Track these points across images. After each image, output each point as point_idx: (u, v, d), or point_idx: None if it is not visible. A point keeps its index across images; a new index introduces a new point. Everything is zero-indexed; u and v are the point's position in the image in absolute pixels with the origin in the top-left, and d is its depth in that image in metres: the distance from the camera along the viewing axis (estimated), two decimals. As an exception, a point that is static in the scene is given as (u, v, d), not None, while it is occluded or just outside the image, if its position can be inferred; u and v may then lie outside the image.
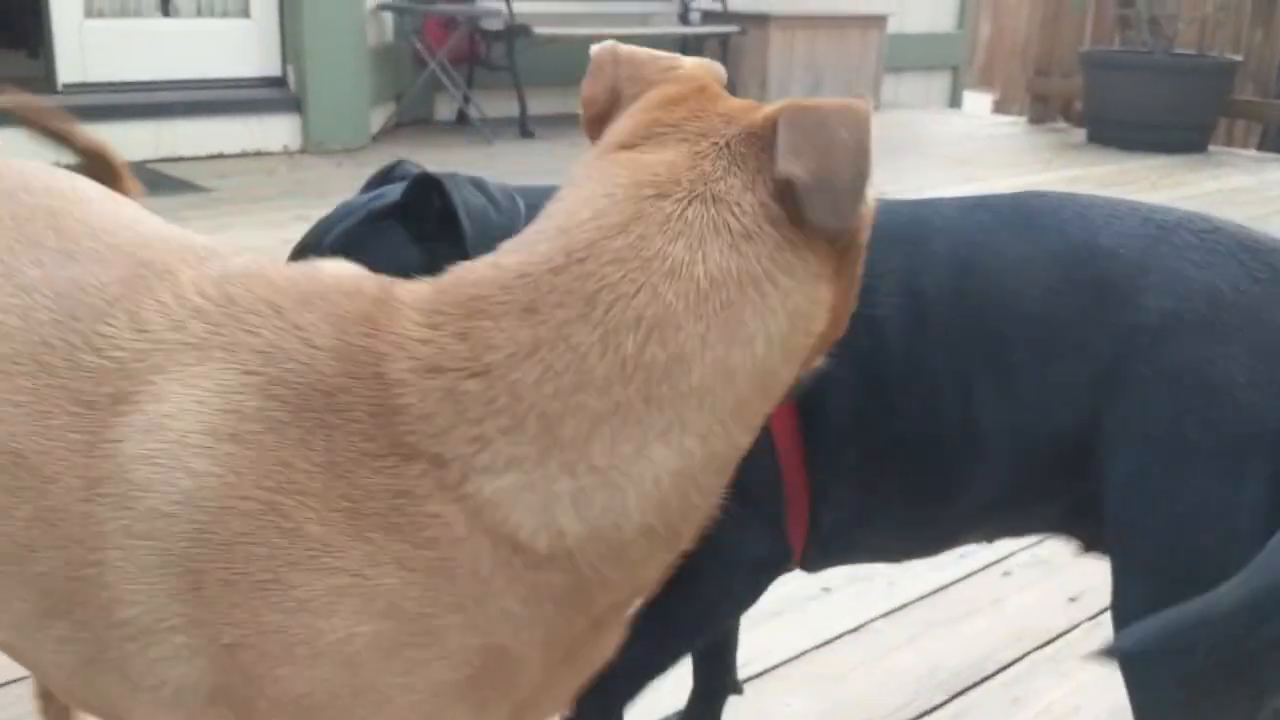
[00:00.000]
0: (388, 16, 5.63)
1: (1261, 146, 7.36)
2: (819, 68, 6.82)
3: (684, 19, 6.67)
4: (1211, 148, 6.20)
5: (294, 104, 4.86)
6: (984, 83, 10.13)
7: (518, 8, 5.70)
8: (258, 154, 4.81)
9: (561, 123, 6.17)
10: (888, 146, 5.80)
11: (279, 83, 4.95)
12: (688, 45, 6.79)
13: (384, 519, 0.70)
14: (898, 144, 5.91)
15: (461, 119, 5.83)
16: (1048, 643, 1.66)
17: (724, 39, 6.52)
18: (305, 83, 4.83)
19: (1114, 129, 6.02)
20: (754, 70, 6.65)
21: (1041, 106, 7.04)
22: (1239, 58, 6.17)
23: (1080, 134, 6.38)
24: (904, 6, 7.81)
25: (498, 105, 6.09)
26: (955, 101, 8.35)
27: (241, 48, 4.89)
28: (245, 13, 4.90)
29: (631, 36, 5.06)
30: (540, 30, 5.63)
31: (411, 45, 5.50)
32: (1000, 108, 9.97)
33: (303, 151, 4.90)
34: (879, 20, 7.11)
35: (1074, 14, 6.68)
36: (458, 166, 4.51)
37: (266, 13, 4.91)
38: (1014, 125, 7.06)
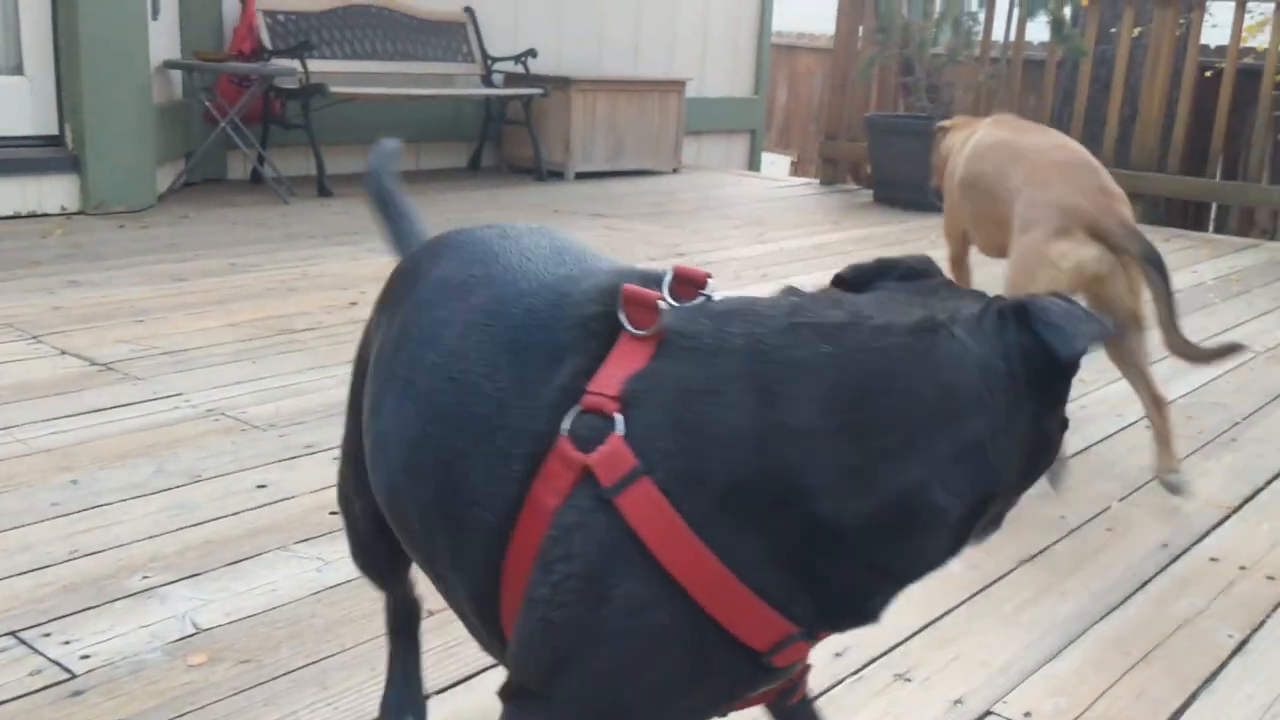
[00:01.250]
0: (176, 74, 5.48)
1: (1034, 206, 7.86)
2: (620, 130, 6.96)
3: (487, 81, 6.72)
4: (987, 207, 6.57)
5: (72, 164, 4.66)
6: (782, 145, 10.53)
7: (315, 66, 5.64)
8: (32, 216, 4.59)
9: (360, 181, 6.09)
10: (687, 207, 5.94)
11: (56, 141, 4.75)
12: (491, 106, 6.85)
13: None
14: (697, 205, 6.07)
15: (256, 178, 5.70)
16: (814, 699, 1.70)
17: (526, 101, 6.59)
18: (84, 142, 4.64)
19: (898, 190, 6.33)
20: (557, 132, 6.73)
21: (832, 169, 7.35)
22: (1009, 123, 6.58)
23: (868, 195, 6.68)
24: (703, 73, 8.07)
25: (295, 164, 5.99)
26: (755, 164, 8.64)
27: (15, 105, 4.67)
28: (19, 69, 4.69)
29: (434, 97, 5.20)
30: (337, 89, 5.57)
31: (202, 103, 5.37)
32: (798, 170, 10.39)
33: (82, 213, 4.70)
34: (678, 85, 7.31)
35: (860, 81, 7.02)
36: (251, 226, 4.43)
37: (42, 69, 4.71)
38: (808, 187, 7.33)
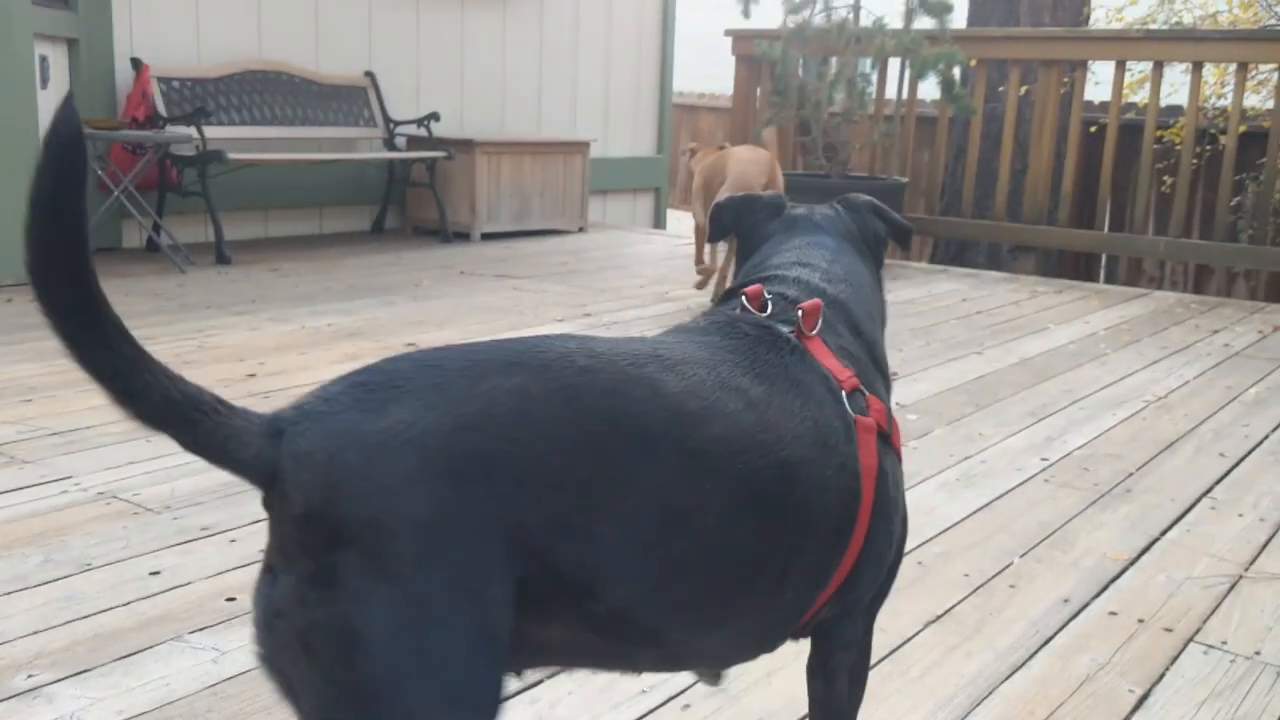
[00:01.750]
0: (68, 142, 5.35)
1: (933, 259, 8.05)
2: (526, 191, 6.98)
3: (389, 144, 6.70)
4: (887, 261, 6.69)
5: (-43, 235, 4.51)
6: (686, 202, 10.64)
7: (213, 132, 5.56)
8: (-86, 289, 4.43)
9: (260, 247, 6.02)
10: (594, 266, 5.96)
11: (-60, 213, 4.60)
12: (394, 170, 6.82)
13: None
14: (604, 264, 6.09)
15: (152, 246, 5.59)
16: (725, 761, 1.68)
17: (431, 164, 6.58)
18: (-30, 213, 4.50)
19: (799, 246, 6.43)
20: (462, 193, 6.73)
21: (736, 226, 7.45)
22: (906, 179, 6.75)
23: (771, 251, 6.77)
24: (607, 133, 8.14)
25: (193, 231, 5.89)
26: (660, 221, 8.72)
27: (-104, 176, 4.52)
28: (-100, 139, 4.55)
29: (337, 162, 5.18)
30: (236, 155, 5.50)
31: (95, 172, 5.25)
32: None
33: (-33, 286, 4.55)
34: (583, 146, 7.36)
35: (758, 140, 7.13)
36: (147, 296, 4.33)
37: (-75, 139, 4.57)
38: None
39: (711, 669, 1.34)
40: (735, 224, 1.48)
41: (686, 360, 1.10)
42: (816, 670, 1.28)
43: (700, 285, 5.10)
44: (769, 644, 1.22)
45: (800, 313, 1.22)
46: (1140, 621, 2.02)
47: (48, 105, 5.04)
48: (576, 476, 0.97)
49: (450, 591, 0.91)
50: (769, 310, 1.24)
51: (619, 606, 1.01)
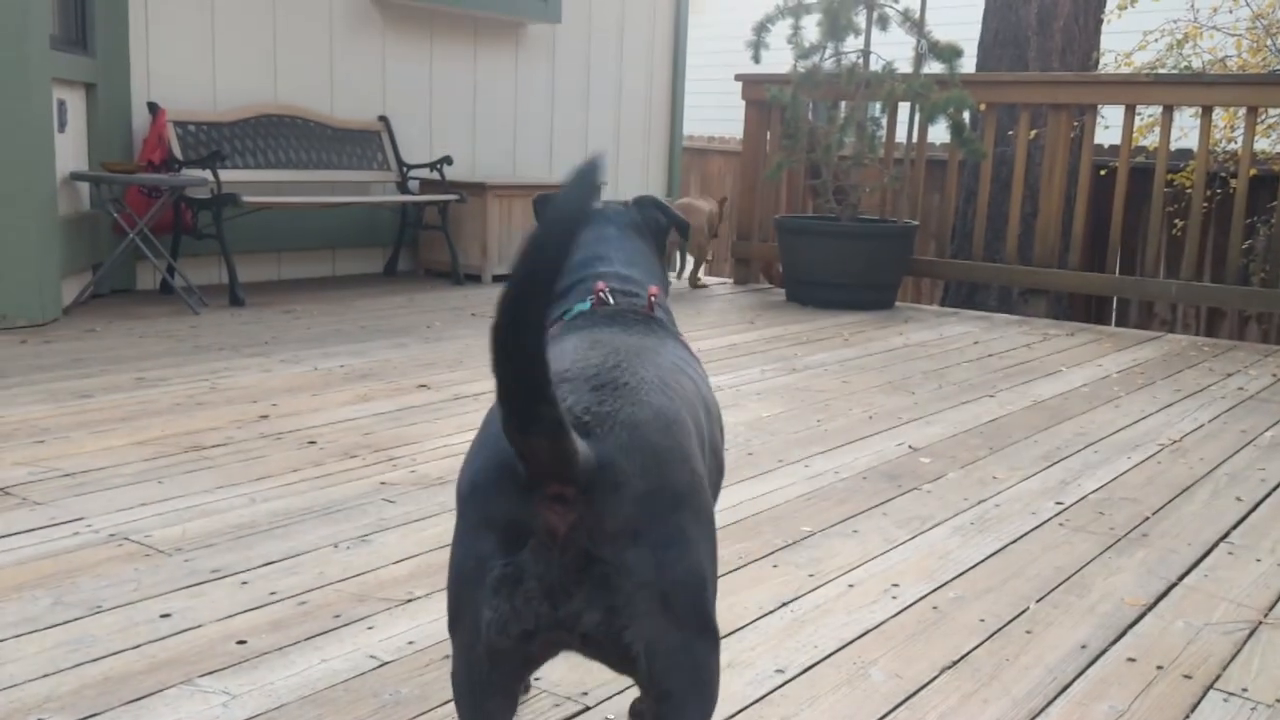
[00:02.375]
0: (84, 185, 5.41)
1: (944, 302, 8.06)
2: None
3: (402, 187, 6.74)
4: (898, 304, 6.71)
5: (-27, 277, 4.55)
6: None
7: (227, 175, 5.61)
8: (-70, 331, 4.46)
9: (273, 289, 6.05)
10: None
11: (-43, 255, 4.64)
12: (407, 213, 6.87)
13: None
14: (613, 306, 6.10)
15: (166, 288, 5.62)
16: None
17: (443, 207, 6.62)
18: (-14, 255, 4.54)
19: (809, 289, 6.44)
20: (474, 235, 6.77)
21: (744, 268, 7.47)
22: (916, 221, 6.76)
23: (780, 294, 6.79)
24: (617, 175, 8.19)
25: (206, 273, 5.93)
26: (669, 263, 8.74)
27: (-87, 218, 4.56)
28: (-82, 182, 4.59)
29: (350, 205, 5.21)
30: (250, 198, 5.54)
31: (110, 214, 5.29)
32: (712, 268, 10.52)
33: (-18, 327, 4.58)
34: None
35: (769, 183, 7.17)
36: (160, 338, 4.33)
37: (-57, 182, 4.61)
38: (720, 286, 7.44)
39: None
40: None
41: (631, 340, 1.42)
42: None
43: None
44: None
45: (650, 298, 1.58)
46: (1159, 668, 1.99)
47: (64, 148, 5.10)
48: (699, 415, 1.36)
49: (714, 522, 1.25)
50: (614, 301, 1.54)
51: None
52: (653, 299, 1.58)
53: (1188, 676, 1.97)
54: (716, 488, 1.43)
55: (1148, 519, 2.82)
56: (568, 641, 1.14)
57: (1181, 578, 2.43)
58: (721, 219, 7.38)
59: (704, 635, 1.18)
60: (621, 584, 1.10)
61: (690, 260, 7.32)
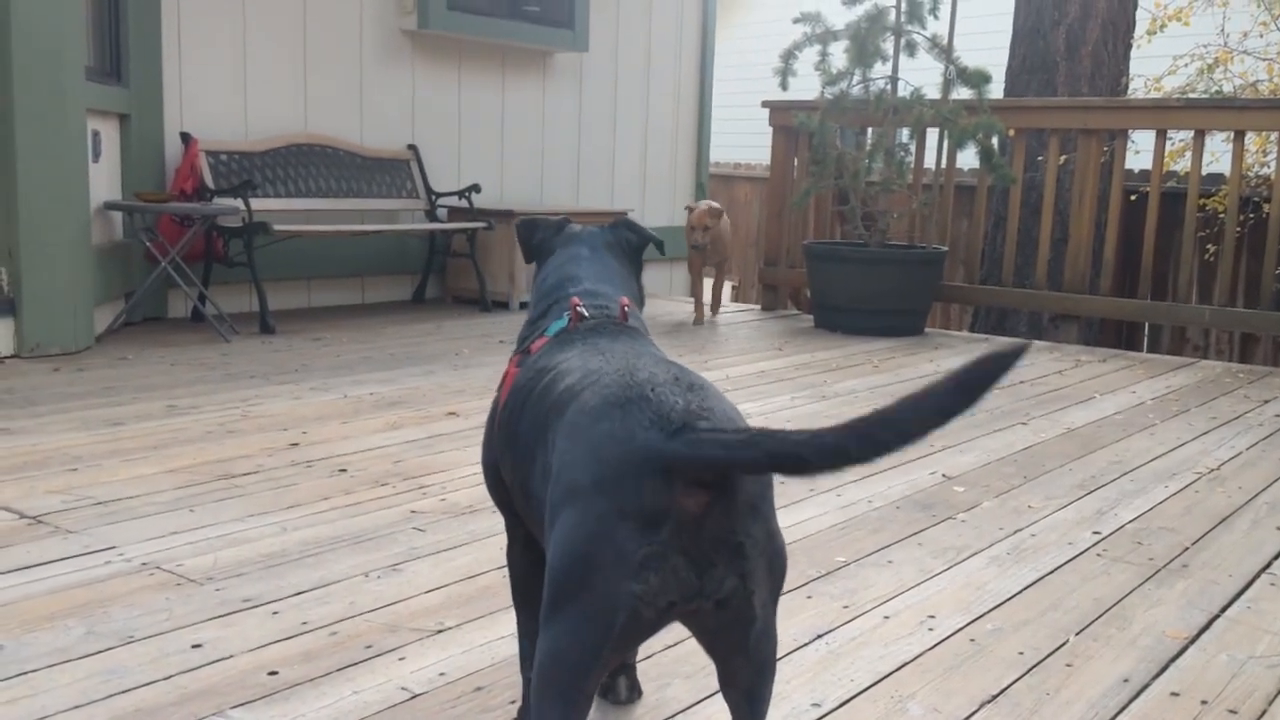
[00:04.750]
0: (117, 214, 5.46)
1: (973, 328, 8.01)
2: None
3: (431, 216, 6.77)
4: (928, 330, 6.67)
5: (8, 307, 4.59)
6: (725, 272, 10.68)
7: (258, 204, 5.65)
8: (-35, 359, 4.49)
9: (303, 317, 6.08)
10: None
11: (-8, 284, 4.68)
12: (435, 241, 6.89)
13: None
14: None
15: (197, 316, 5.65)
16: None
17: (471, 234, 6.64)
18: (21, 284, 4.58)
19: (838, 315, 6.41)
20: (502, 262, 6.78)
21: (772, 294, 7.45)
22: (945, 247, 6.73)
23: (808, 320, 6.76)
24: (644, 203, 8.21)
25: (237, 301, 5.96)
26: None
27: (-50, 248, 4.61)
28: (-46, 211, 4.65)
29: (379, 233, 5.24)
30: (281, 227, 5.58)
31: (143, 243, 5.34)
32: (739, 295, 10.53)
33: (16, 356, 4.61)
34: (620, 215, 7.42)
35: (796, 209, 7.16)
36: (192, 366, 4.34)
37: (-21, 211, 4.67)
38: (748, 312, 7.42)
39: None
40: (527, 240, 1.90)
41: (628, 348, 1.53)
42: None
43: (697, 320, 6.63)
44: None
45: (623, 308, 1.67)
46: (1204, 703, 1.95)
47: (98, 178, 5.15)
48: None
49: None
50: (588, 315, 1.65)
51: None
52: (625, 309, 1.67)
53: (1233, 711, 1.92)
54: None
55: (1187, 549, 2.78)
56: (702, 610, 1.28)
57: (1224, 610, 2.39)
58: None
59: (781, 591, 1.37)
60: (751, 552, 1.27)
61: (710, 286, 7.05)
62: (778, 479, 1.28)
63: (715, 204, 6.43)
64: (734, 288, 10.65)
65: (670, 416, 1.24)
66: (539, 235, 1.89)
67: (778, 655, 1.39)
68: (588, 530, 1.24)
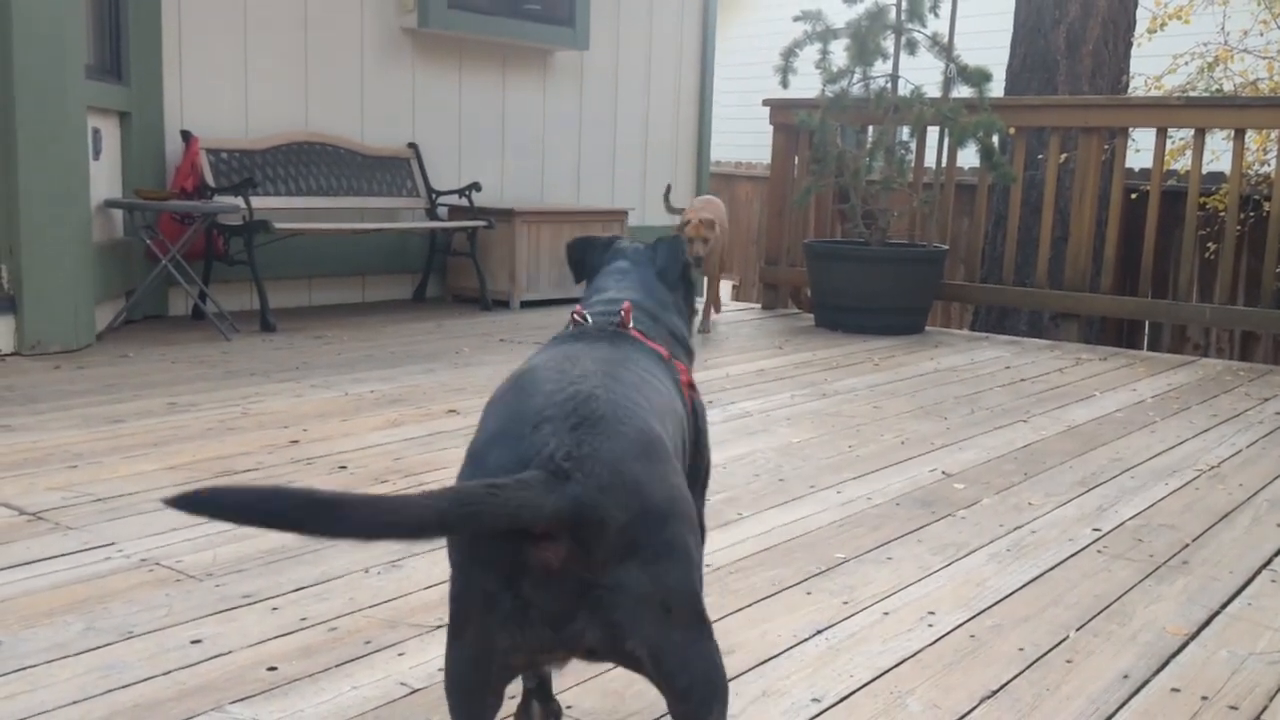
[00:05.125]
0: (117, 212, 5.46)
1: (974, 326, 8.00)
2: (564, 258, 7.01)
3: (431, 214, 6.77)
4: (929, 329, 6.67)
5: (9, 304, 4.59)
6: (723, 269, 10.68)
7: (259, 202, 5.64)
8: (-35, 357, 4.49)
9: (304, 315, 6.08)
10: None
11: (-8, 281, 4.68)
12: (436, 239, 6.89)
13: None
14: (641, 331, 6.08)
15: (198, 314, 5.65)
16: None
17: (471, 233, 6.64)
18: (21, 282, 4.58)
19: (838, 314, 6.41)
20: (503, 261, 6.78)
21: (773, 293, 7.45)
22: (946, 246, 6.73)
23: (809, 319, 6.76)
24: (644, 201, 8.20)
25: (238, 299, 5.96)
26: (697, 289, 8.72)
27: (-50, 245, 4.61)
28: (-45, 209, 4.65)
29: (380, 231, 5.25)
30: (282, 225, 5.58)
31: (143, 241, 5.34)
32: (740, 294, 10.53)
33: (16, 354, 4.61)
34: (620, 214, 7.42)
35: (797, 208, 7.16)
36: (192, 364, 4.34)
37: (-21, 209, 4.67)
38: (749, 311, 7.42)
39: None
40: (575, 259, 1.93)
41: (597, 354, 1.50)
42: None
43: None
44: None
45: (620, 313, 1.65)
46: (1204, 699, 1.95)
47: (99, 176, 5.15)
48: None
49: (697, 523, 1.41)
50: (590, 321, 1.65)
51: None
52: (625, 312, 1.66)
53: (1234, 708, 1.92)
54: (701, 471, 1.67)
55: (1187, 546, 2.77)
56: (576, 655, 1.29)
57: (1224, 606, 2.39)
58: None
59: (702, 629, 1.31)
60: (619, 601, 1.22)
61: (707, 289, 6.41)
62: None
63: (708, 214, 5.93)
64: (734, 286, 10.65)
65: (528, 463, 1.21)
66: (586, 254, 1.91)
67: (723, 676, 1.33)
68: (461, 574, 1.30)
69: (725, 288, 10.43)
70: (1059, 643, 2.17)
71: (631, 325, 1.65)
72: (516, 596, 1.22)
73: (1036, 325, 7.63)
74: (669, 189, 7.13)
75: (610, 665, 1.64)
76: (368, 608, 2.21)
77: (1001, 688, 1.97)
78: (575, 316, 1.68)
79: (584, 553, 1.20)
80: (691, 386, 1.68)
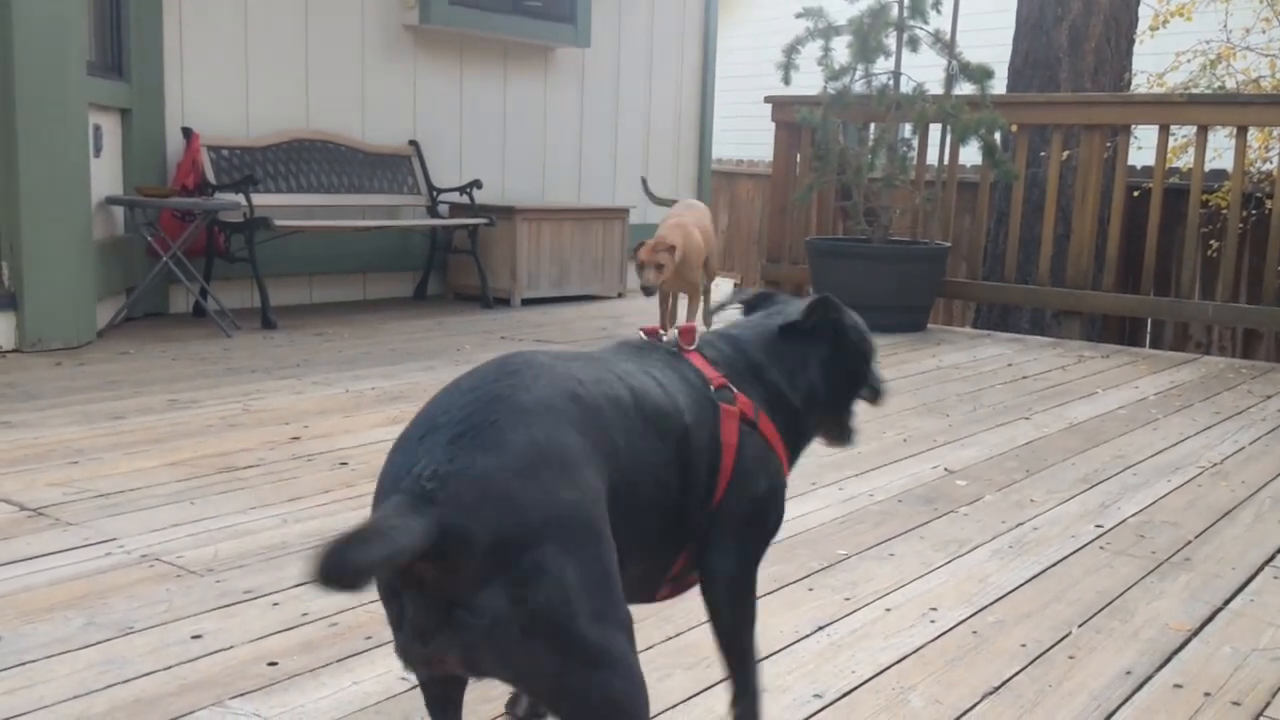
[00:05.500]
0: (118, 209, 5.46)
1: (976, 324, 7.99)
2: (565, 257, 7.02)
3: (432, 211, 6.77)
4: (931, 326, 6.66)
5: (9, 301, 4.58)
6: (725, 268, 10.68)
7: (260, 199, 5.64)
8: (-34, 353, 4.49)
9: (305, 312, 6.08)
10: (632, 330, 5.94)
11: (-7, 278, 4.68)
12: (437, 236, 6.89)
13: None
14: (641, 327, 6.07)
15: (198, 311, 5.65)
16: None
17: (472, 231, 6.64)
18: (22, 279, 4.57)
19: (841, 311, 6.39)
20: (504, 259, 6.78)
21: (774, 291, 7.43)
22: (948, 243, 6.72)
23: (812, 316, 6.74)
24: (645, 201, 8.19)
25: (239, 296, 5.96)
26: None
27: (-49, 242, 4.61)
28: (-44, 206, 4.64)
29: (381, 229, 5.25)
30: (283, 222, 5.57)
31: (144, 238, 5.34)
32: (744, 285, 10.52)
33: (17, 351, 4.61)
34: (621, 213, 7.42)
35: (799, 206, 7.15)
36: (193, 361, 4.34)
37: (-20, 206, 4.66)
38: (753, 308, 7.40)
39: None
40: (753, 307, 1.85)
41: (628, 363, 1.50)
42: (707, 607, 1.59)
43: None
44: (657, 577, 1.54)
45: (677, 333, 1.62)
46: (1206, 695, 1.95)
47: (100, 173, 5.15)
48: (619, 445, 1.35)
49: (599, 543, 1.24)
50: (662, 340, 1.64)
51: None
52: (689, 331, 1.63)
53: (1236, 704, 1.92)
54: (730, 518, 1.55)
55: (1190, 542, 2.77)
56: (458, 671, 1.27)
57: (1226, 602, 2.38)
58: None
59: (585, 657, 1.21)
60: (474, 623, 1.18)
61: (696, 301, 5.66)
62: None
63: (671, 236, 5.25)
64: (736, 285, 10.64)
65: (400, 476, 1.20)
66: (756, 304, 1.84)
67: (620, 710, 1.25)
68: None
69: (726, 286, 10.41)
70: (1061, 639, 2.16)
71: (693, 348, 1.59)
72: (400, 608, 1.23)
73: (1038, 323, 7.62)
74: (645, 181, 7.08)
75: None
76: (369, 603, 2.20)
77: (1004, 684, 1.96)
78: (645, 329, 1.63)
79: (451, 572, 1.17)
80: (750, 425, 1.56)
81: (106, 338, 5.02)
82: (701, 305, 5.71)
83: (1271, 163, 7.88)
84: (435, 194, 6.75)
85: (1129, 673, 2.02)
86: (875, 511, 2.94)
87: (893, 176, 6.42)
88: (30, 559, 2.38)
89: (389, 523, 1.14)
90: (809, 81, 6.42)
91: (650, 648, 2.01)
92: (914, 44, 6.32)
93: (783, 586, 2.37)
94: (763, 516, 1.61)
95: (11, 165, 4.50)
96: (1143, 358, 5.83)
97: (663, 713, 1.81)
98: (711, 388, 1.55)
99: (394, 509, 1.16)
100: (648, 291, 5.20)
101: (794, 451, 1.71)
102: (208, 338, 5.17)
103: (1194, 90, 8.17)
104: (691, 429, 1.47)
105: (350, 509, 2.77)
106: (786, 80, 6.21)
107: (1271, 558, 2.67)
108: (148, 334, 5.20)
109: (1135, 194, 7.32)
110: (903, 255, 6.50)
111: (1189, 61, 8.57)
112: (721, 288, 7.22)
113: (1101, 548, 2.71)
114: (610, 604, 1.23)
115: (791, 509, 2.89)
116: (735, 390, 1.57)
